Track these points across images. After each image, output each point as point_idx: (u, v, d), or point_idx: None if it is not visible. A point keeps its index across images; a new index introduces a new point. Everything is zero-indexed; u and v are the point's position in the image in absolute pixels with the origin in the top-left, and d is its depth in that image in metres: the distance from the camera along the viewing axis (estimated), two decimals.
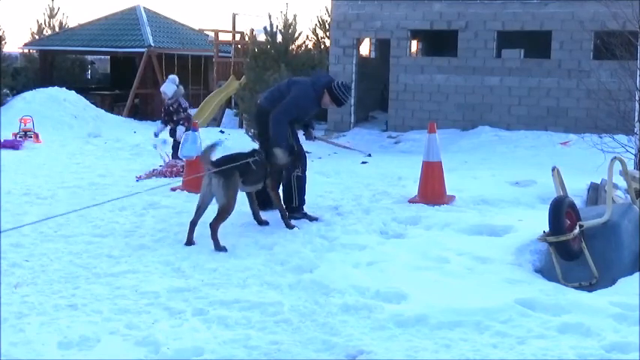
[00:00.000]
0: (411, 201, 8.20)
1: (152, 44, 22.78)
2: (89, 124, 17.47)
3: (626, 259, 5.46)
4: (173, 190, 9.03)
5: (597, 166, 8.93)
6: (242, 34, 22.33)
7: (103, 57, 28.66)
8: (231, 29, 22.84)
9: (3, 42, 21.84)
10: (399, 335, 4.32)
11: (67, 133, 16.47)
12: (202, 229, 6.91)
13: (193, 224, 6.46)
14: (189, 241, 6.39)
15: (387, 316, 4.57)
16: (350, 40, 17.72)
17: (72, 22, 28.66)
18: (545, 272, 5.57)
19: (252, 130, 13.63)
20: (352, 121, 18.07)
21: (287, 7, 17.02)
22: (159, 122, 12.23)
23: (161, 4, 73.19)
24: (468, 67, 16.51)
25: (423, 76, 16.95)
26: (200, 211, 6.53)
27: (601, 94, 11.11)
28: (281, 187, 7.42)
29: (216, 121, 20.50)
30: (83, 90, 22.09)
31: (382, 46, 20.31)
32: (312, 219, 7.30)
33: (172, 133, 11.69)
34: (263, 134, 7.53)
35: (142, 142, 14.31)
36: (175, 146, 11.46)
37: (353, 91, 17.84)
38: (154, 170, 10.57)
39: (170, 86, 11.69)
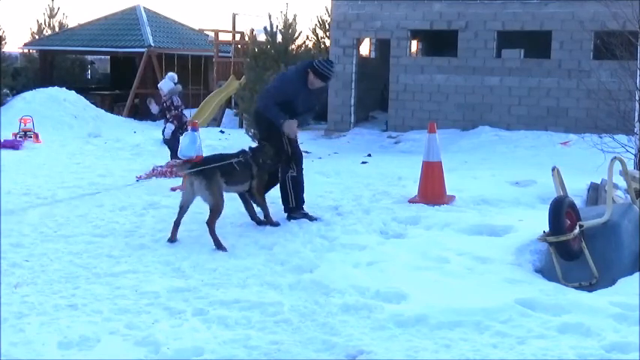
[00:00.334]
0: (411, 201, 8.20)
1: (152, 44, 22.79)
2: (89, 124, 17.49)
3: (626, 259, 5.46)
4: (173, 190, 9.04)
5: (597, 166, 8.93)
6: (242, 34, 22.33)
7: (103, 57, 28.66)
8: (231, 29, 22.85)
9: (3, 42, 21.85)
10: (399, 335, 4.32)
11: (67, 133, 16.48)
12: (202, 229, 6.91)
13: (177, 223, 6.54)
14: (172, 239, 6.46)
15: (387, 316, 4.57)
16: (350, 40, 17.72)
17: (72, 22, 28.74)
18: (545, 272, 5.57)
19: (252, 130, 13.63)
20: (352, 121, 18.07)
21: (287, 7, 17.01)
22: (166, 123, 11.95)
23: (161, 4, 73.23)
24: (468, 67, 16.51)
25: (423, 76, 16.95)
26: (182, 210, 6.59)
27: (601, 94, 11.11)
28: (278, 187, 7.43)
29: (216, 121, 20.51)
30: (83, 90, 22.11)
31: (382, 46, 20.31)
32: (312, 219, 7.30)
33: (163, 131, 11.63)
34: (261, 135, 7.54)
35: (142, 142, 14.32)
36: (169, 145, 11.41)
37: (353, 91, 17.87)
38: (153, 170, 10.57)
39: (167, 83, 11.67)
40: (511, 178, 9.59)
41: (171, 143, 11.41)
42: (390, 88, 17.49)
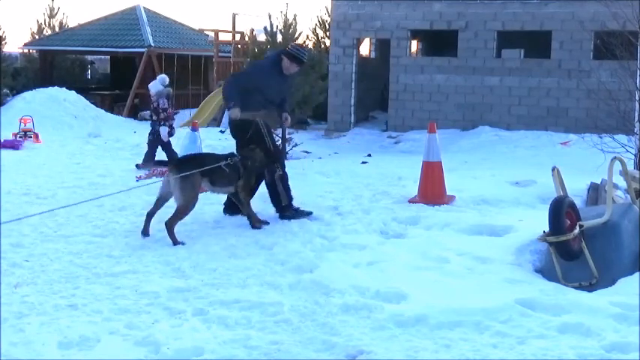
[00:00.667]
0: (411, 201, 8.20)
1: (152, 44, 22.78)
2: (89, 124, 17.48)
3: (626, 259, 5.46)
4: None
5: (597, 166, 8.93)
6: (242, 34, 22.31)
7: (103, 57, 28.65)
8: (231, 29, 22.84)
9: (3, 42, 21.83)
10: (399, 335, 4.32)
11: (67, 133, 16.47)
12: (202, 229, 6.92)
13: (149, 215, 6.59)
14: (145, 232, 6.52)
15: (387, 316, 4.57)
16: (350, 40, 17.72)
17: (72, 22, 28.70)
18: (545, 272, 5.57)
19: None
20: (352, 121, 18.07)
21: (287, 7, 17.04)
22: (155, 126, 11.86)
23: (161, 4, 73.20)
24: (468, 67, 16.52)
25: (423, 76, 16.95)
26: (158, 203, 6.64)
27: (601, 94, 11.11)
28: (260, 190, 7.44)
29: (216, 121, 20.50)
30: (83, 90, 22.10)
31: (382, 46, 20.31)
32: (305, 213, 7.29)
33: (150, 134, 11.54)
34: (242, 141, 7.35)
35: (142, 142, 14.29)
36: (164, 147, 11.37)
37: (353, 91, 17.87)
38: (154, 170, 10.56)
39: (156, 85, 11.63)
40: (511, 178, 9.60)
41: (154, 145, 11.30)
42: (390, 88, 17.49)
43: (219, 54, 22.45)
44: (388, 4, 17.19)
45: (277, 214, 7.36)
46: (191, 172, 6.46)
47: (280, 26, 14.77)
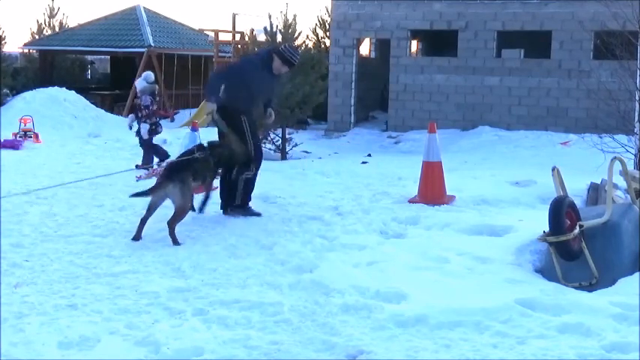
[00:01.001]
0: (411, 201, 8.20)
1: (152, 44, 22.78)
2: (89, 124, 17.48)
3: (626, 259, 5.46)
4: None
5: (597, 166, 8.93)
6: (242, 34, 22.31)
7: (103, 57, 28.66)
8: (231, 29, 22.84)
9: (3, 42, 21.83)
10: (399, 335, 4.32)
11: (67, 133, 16.46)
12: (202, 229, 6.92)
13: (143, 221, 6.56)
14: (137, 237, 6.49)
15: (387, 316, 4.57)
16: (350, 40, 17.73)
17: (72, 22, 28.70)
18: (545, 272, 5.57)
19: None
20: (352, 121, 18.08)
21: (287, 7, 17.02)
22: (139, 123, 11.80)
23: (161, 4, 73.20)
24: (468, 67, 16.52)
25: (423, 76, 16.96)
26: (151, 210, 6.62)
27: (601, 94, 11.12)
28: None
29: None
30: (83, 90, 22.09)
31: (382, 46, 20.32)
32: (254, 213, 7.33)
33: (137, 133, 11.51)
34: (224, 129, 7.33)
35: None
36: (142, 144, 11.28)
37: (353, 91, 17.87)
38: (153, 170, 10.56)
39: (140, 82, 11.61)
40: (511, 178, 9.59)
41: (148, 143, 11.26)
42: (390, 88, 17.50)
43: (219, 54, 22.45)
44: (388, 4, 17.19)
45: (223, 210, 7.40)
46: (184, 177, 6.55)
47: (280, 26, 14.76)
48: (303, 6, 54.78)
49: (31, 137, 14.67)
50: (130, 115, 11.85)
